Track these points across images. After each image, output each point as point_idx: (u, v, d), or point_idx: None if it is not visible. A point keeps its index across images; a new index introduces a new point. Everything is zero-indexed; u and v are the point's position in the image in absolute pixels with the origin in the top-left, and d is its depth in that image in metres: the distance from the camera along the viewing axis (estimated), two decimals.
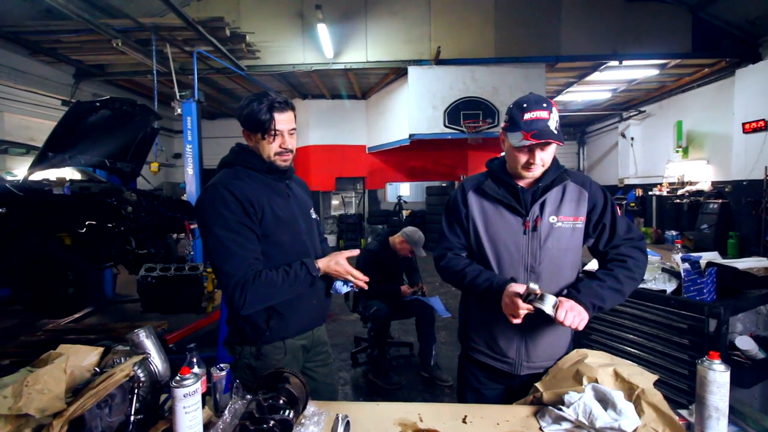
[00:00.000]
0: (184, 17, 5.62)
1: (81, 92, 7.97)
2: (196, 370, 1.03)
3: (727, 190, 8.17)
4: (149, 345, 1.06)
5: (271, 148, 1.35)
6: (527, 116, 1.25)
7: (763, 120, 7.02)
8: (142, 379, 1.01)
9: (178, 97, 5.53)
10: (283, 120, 1.34)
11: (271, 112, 1.32)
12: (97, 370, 1.01)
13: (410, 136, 7.98)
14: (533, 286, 1.15)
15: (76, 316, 3.80)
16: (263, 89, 1.42)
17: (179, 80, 6.24)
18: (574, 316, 1.17)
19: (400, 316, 3.37)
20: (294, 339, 1.42)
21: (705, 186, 8.88)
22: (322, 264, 1.37)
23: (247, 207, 1.28)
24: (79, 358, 1.03)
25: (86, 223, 3.22)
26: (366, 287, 1.43)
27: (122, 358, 1.02)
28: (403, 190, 12.18)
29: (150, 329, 1.07)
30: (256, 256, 1.30)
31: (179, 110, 5.44)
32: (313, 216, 1.56)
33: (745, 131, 7.37)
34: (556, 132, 1.26)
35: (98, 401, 0.90)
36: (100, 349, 1.06)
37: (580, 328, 1.19)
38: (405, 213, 10.25)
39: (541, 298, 1.15)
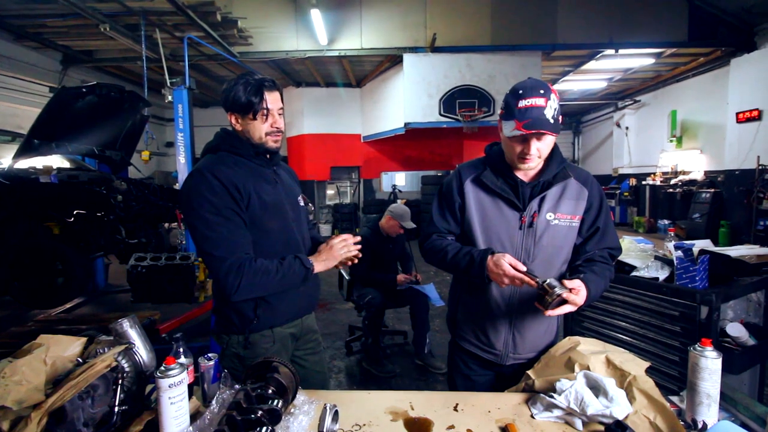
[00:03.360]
0: (174, 1, 5.47)
1: (69, 79, 7.79)
2: (182, 360, 1.01)
3: (719, 180, 8.22)
4: (133, 335, 1.03)
5: (263, 128, 1.32)
6: (522, 104, 1.18)
7: (757, 109, 7.03)
8: (127, 369, 0.99)
9: (168, 84, 5.42)
10: (272, 99, 1.32)
11: (262, 91, 1.29)
12: (80, 360, 0.98)
13: (405, 124, 7.91)
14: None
15: (67, 306, 3.76)
16: (249, 72, 1.38)
17: (170, 67, 6.12)
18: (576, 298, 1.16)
19: (394, 305, 3.37)
20: (282, 327, 1.41)
21: (698, 175, 8.93)
22: (319, 264, 1.35)
23: (233, 192, 1.25)
24: (61, 348, 1.00)
25: (74, 212, 3.16)
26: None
27: (105, 348, 1.00)
28: (399, 180, 12.12)
29: (134, 319, 1.05)
30: (248, 241, 1.27)
31: (170, 97, 5.34)
32: (301, 203, 1.53)
33: (738, 121, 7.38)
34: (552, 121, 1.18)
35: (80, 392, 0.88)
36: (83, 339, 1.03)
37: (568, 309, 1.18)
38: (400, 202, 10.20)
39: (552, 288, 1.13)
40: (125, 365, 0.99)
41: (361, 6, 7.69)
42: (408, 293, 3.26)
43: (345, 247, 1.39)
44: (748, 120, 7.20)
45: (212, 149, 1.38)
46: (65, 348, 1.01)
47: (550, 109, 1.18)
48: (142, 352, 1.03)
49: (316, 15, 6.75)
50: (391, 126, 8.65)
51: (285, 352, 1.42)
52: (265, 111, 1.30)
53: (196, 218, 1.23)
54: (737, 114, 7.39)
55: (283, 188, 1.43)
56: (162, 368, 0.91)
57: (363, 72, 9.38)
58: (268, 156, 1.41)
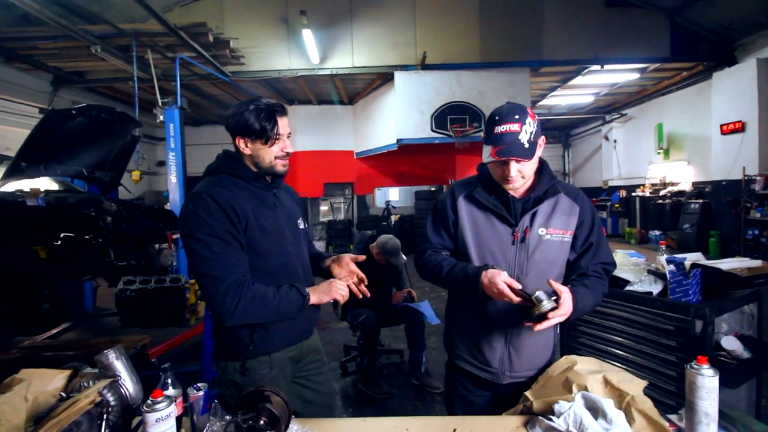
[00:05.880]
0: (166, 23, 5.53)
1: (59, 100, 7.77)
2: (170, 391, 0.98)
3: (707, 190, 8.36)
4: (119, 366, 1.00)
5: (272, 153, 1.33)
6: (497, 130, 1.21)
7: (740, 121, 7.21)
8: (112, 403, 0.95)
9: (160, 104, 5.44)
10: (283, 124, 1.34)
11: (275, 117, 1.31)
12: (63, 395, 0.95)
13: (398, 140, 7.99)
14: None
15: (54, 331, 3.66)
16: (249, 95, 1.41)
17: (162, 87, 6.14)
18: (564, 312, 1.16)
19: (389, 324, 3.33)
20: (281, 352, 1.38)
21: (686, 186, 9.09)
22: (314, 296, 1.34)
23: (231, 215, 1.24)
24: (44, 382, 0.97)
25: (62, 235, 3.10)
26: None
27: (90, 382, 0.96)
28: (392, 195, 12.15)
29: (120, 350, 1.02)
30: (245, 264, 1.26)
31: (161, 117, 5.35)
32: (301, 226, 1.52)
33: (723, 133, 7.56)
34: (527, 146, 1.20)
35: (62, 430, 0.84)
36: (67, 373, 1.00)
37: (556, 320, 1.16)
38: (394, 218, 10.22)
39: (539, 302, 1.13)
40: (111, 399, 0.96)
41: (351, 26, 7.84)
42: (403, 311, 3.22)
43: (344, 290, 1.38)
44: (732, 132, 7.37)
45: (213, 171, 1.38)
46: (48, 382, 0.98)
47: (525, 133, 1.20)
48: (128, 384, 1.00)
49: (307, 35, 6.86)
50: (384, 142, 8.72)
51: (283, 378, 1.39)
52: (277, 136, 1.32)
53: (193, 240, 1.22)
54: (721, 126, 7.57)
55: (282, 212, 1.42)
56: (149, 401, 0.88)
57: (355, 89, 9.50)
58: (268, 179, 1.41)
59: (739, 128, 7.24)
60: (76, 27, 5.54)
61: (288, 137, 1.37)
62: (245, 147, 1.34)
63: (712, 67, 7.88)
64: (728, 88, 7.50)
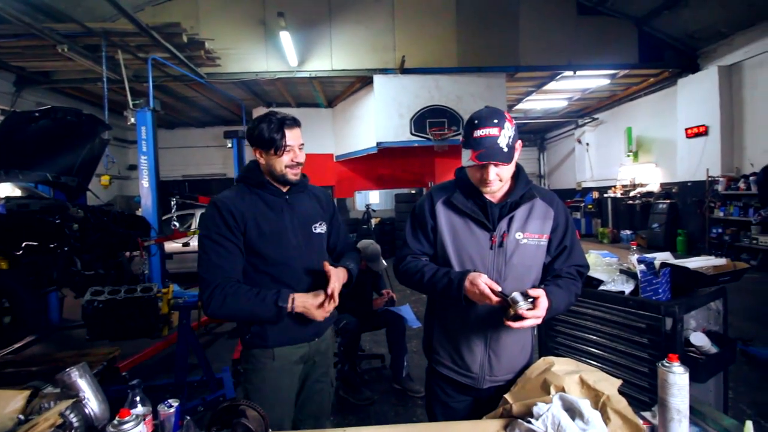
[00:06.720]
0: (137, 22, 5.35)
1: (23, 101, 7.42)
2: (138, 410, 0.93)
3: (674, 191, 8.73)
4: (83, 385, 0.94)
5: (283, 162, 1.44)
6: (477, 134, 1.22)
7: (704, 125, 7.57)
8: (75, 425, 0.90)
9: (131, 106, 5.25)
10: (292, 136, 1.44)
11: (283, 129, 1.42)
12: (21, 418, 0.89)
13: (377, 144, 7.99)
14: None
15: (17, 346, 3.46)
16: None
17: (133, 88, 5.94)
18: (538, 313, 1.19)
19: (370, 328, 3.31)
20: (285, 347, 1.43)
21: (654, 187, 9.46)
22: (299, 301, 1.37)
23: (228, 220, 1.37)
24: (0, 404, 0.90)
25: (24, 244, 2.93)
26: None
27: (51, 402, 0.90)
28: (372, 198, 12.15)
29: (84, 367, 0.96)
30: (233, 266, 1.38)
31: (132, 120, 5.17)
32: (317, 230, 1.56)
33: (687, 136, 7.93)
34: (506, 149, 1.21)
35: None
36: (26, 393, 0.94)
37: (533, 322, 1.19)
38: (374, 221, 10.20)
39: (515, 303, 1.16)
40: (74, 420, 0.90)
41: (330, 29, 7.82)
42: (384, 315, 3.20)
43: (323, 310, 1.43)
44: (696, 135, 7.74)
45: (237, 180, 1.55)
46: (5, 404, 0.91)
47: (504, 137, 1.22)
48: (93, 403, 0.94)
49: (285, 37, 6.78)
50: (364, 145, 8.71)
51: (288, 374, 1.45)
52: (286, 147, 1.43)
53: (199, 242, 1.42)
54: (686, 130, 7.93)
55: (291, 216, 1.49)
56: (115, 422, 0.83)
57: (334, 92, 9.46)
58: (278, 185, 1.50)
59: (703, 132, 7.60)
60: (41, 25, 5.30)
61: (300, 148, 1.48)
62: (260, 157, 1.47)
63: (677, 74, 8.27)
64: (692, 94, 7.88)
